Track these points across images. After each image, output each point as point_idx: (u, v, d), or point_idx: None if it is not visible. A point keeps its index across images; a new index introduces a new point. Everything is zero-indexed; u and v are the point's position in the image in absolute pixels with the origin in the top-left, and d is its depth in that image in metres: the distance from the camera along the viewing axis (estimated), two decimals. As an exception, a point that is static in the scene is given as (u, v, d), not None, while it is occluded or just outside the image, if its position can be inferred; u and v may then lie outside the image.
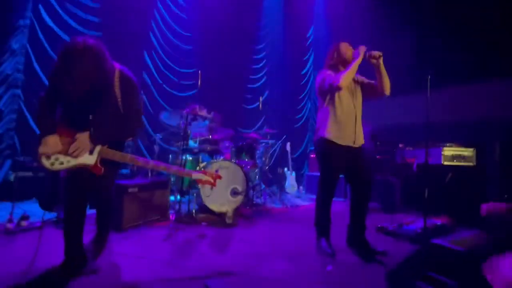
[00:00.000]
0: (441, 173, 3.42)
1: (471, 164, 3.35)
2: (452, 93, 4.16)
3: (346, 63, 2.11)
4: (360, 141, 2.19)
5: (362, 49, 2.03)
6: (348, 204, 2.26)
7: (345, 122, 2.11)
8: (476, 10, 3.87)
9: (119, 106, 1.56)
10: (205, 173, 1.70)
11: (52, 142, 1.46)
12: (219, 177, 1.73)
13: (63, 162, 1.47)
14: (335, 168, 2.15)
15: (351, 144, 2.13)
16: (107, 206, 1.89)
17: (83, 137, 1.48)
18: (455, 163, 3.32)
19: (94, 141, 1.50)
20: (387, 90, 2.11)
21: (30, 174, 3.17)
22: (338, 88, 2.00)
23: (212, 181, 1.68)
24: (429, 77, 2.27)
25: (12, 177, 3.13)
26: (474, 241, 1.45)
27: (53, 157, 1.47)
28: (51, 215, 2.63)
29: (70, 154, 1.47)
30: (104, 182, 1.73)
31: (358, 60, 2.02)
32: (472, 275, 1.21)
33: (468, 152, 3.35)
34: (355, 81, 2.23)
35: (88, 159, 1.51)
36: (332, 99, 2.13)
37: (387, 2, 5.13)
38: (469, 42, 3.96)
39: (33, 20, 3.48)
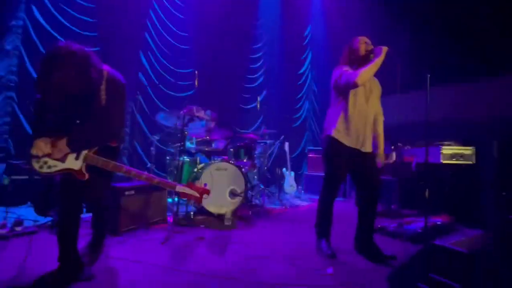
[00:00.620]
0: (440, 172, 3.41)
1: (470, 162, 3.34)
2: (451, 92, 4.15)
3: (361, 60, 2.00)
4: (369, 147, 2.09)
5: (385, 49, 1.92)
6: (347, 204, 2.24)
7: (356, 123, 2.03)
8: (476, 7, 3.85)
9: (103, 109, 1.50)
10: (191, 186, 1.56)
11: (42, 144, 1.45)
12: (207, 192, 1.58)
13: (51, 166, 1.47)
14: (340, 168, 2.09)
15: (359, 148, 2.05)
16: (102, 210, 1.85)
17: (61, 143, 1.45)
18: (454, 161, 3.31)
19: (71, 146, 1.46)
20: None
21: (25, 177, 3.12)
22: (355, 85, 1.89)
23: (197, 195, 1.54)
24: (429, 75, 2.24)
25: (6, 181, 3.07)
26: (477, 242, 1.43)
27: (42, 160, 1.46)
28: (46, 220, 2.59)
29: (54, 158, 1.46)
30: (99, 185, 1.69)
31: (379, 59, 1.90)
32: (475, 277, 1.19)
33: (467, 150, 3.34)
34: (374, 86, 2.14)
35: (74, 164, 1.49)
36: (346, 97, 2.04)
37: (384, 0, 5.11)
38: (468, 40, 3.95)
39: (26, 20, 3.42)
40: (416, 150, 3.77)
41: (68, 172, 1.49)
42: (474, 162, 3.35)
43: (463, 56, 3.92)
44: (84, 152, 1.50)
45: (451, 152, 3.32)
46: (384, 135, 2.23)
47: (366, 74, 1.88)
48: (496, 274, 1.25)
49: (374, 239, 2.12)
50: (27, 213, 2.82)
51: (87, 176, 1.50)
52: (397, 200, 3.84)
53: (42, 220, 2.60)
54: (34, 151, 1.45)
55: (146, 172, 1.59)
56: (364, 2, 5.41)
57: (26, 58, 3.42)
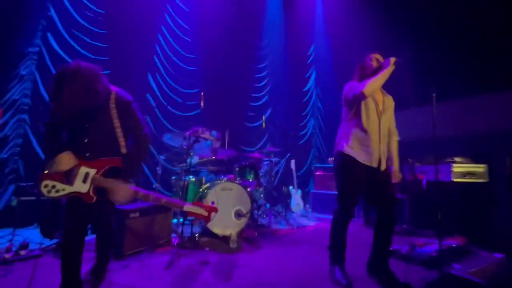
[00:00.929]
0: (451, 191, 3.30)
1: (483, 180, 3.23)
2: (459, 106, 4.10)
3: (371, 76, 1.97)
4: (384, 164, 2.01)
5: (393, 59, 1.90)
6: (357, 224, 2.14)
7: (368, 139, 1.97)
8: (483, 20, 3.88)
9: (115, 129, 1.58)
10: (198, 204, 1.55)
11: (66, 158, 1.48)
12: (215, 210, 1.57)
13: (59, 190, 1.47)
14: (354, 186, 1.99)
15: (373, 165, 1.97)
16: (107, 234, 1.82)
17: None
18: (466, 180, 3.20)
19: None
20: None
21: (32, 198, 3.15)
22: (362, 95, 1.86)
23: (206, 214, 1.52)
24: (434, 94, 2.23)
25: (14, 203, 3.10)
26: (496, 270, 1.35)
27: (50, 185, 1.46)
28: (51, 242, 2.58)
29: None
30: (104, 209, 1.68)
31: (387, 70, 1.88)
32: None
33: (479, 168, 3.24)
34: (388, 104, 2.10)
35: (82, 187, 1.49)
36: (358, 112, 2.00)
37: (388, 18, 5.21)
38: (474, 53, 3.94)
39: (41, 47, 3.59)
40: (426, 168, 3.68)
41: (75, 195, 1.49)
42: (487, 180, 3.24)
43: (470, 71, 3.91)
44: (92, 174, 1.51)
45: (463, 170, 3.22)
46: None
47: (373, 84, 1.86)
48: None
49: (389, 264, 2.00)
50: (33, 234, 2.82)
51: (94, 199, 1.50)
52: (408, 219, 3.70)
53: (48, 242, 2.59)
54: (56, 168, 1.45)
55: (153, 192, 1.59)
56: (368, 20, 5.52)
57: (40, 83, 3.56)
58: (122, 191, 1.52)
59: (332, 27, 6.66)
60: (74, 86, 1.39)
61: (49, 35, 3.65)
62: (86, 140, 1.54)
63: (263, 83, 6.14)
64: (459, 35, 4.14)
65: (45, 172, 1.48)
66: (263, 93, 6.12)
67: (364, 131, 1.98)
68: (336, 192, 2.08)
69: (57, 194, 1.46)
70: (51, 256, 2.31)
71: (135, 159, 1.63)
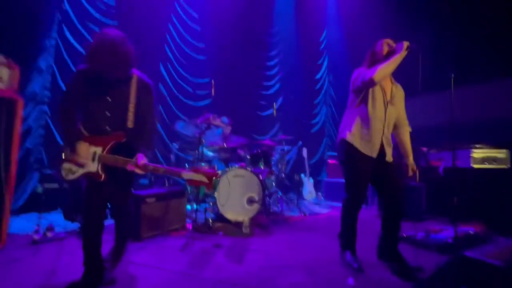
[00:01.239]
0: (470, 177, 3.19)
1: (504, 166, 3.09)
2: (479, 90, 3.91)
3: (380, 62, 1.86)
4: (389, 155, 1.98)
5: (406, 44, 1.79)
6: (370, 211, 2.13)
7: (372, 129, 1.92)
8: (503, 2, 3.63)
9: (129, 105, 1.63)
10: (197, 171, 1.47)
11: (84, 149, 1.53)
12: (216, 175, 1.49)
13: (74, 172, 1.55)
14: (359, 173, 1.97)
15: (373, 156, 1.94)
16: (125, 216, 1.87)
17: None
18: (486, 166, 3.08)
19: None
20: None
21: (56, 185, 3.33)
22: (371, 82, 1.77)
23: (207, 181, 1.46)
24: (452, 75, 2.13)
25: (39, 189, 3.29)
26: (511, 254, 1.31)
27: (67, 168, 1.54)
28: (74, 225, 2.73)
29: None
30: (121, 193, 1.75)
31: (399, 55, 1.76)
32: (513, 293, 1.08)
33: (501, 154, 3.10)
34: (396, 93, 2.03)
35: (92, 167, 1.54)
36: (365, 100, 1.94)
37: (403, 0, 4.96)
38: (490, 36, 3.72)
39: (57, 40, 3.70)
40: (443, 154, 3.56)
41: (88, 175, 1.55)
42: (509, 166, 3.10)
43: (489, 54, 3.70)
44: (99, 153, 1.55)
45: (483, 156, 3.10)
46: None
47: (383, 70, 1.76)
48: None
49: (400, 249, 1.99)
50: (57, 219, 3.00)
51: (103, 177, 1.54)
52: (425, 206, 3.63)
53: (71, 226, 2.75)
54: (76, 158, 1.50)
55: (156, 164, 1.64)
56: (382, 3, 5.28)
57: (58, 75, 3.69)
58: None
59: (345, 11, 6.42)
60: (119, 49, 1.49)
61: (65, 28, 3.74)
62: (108, 114, 1.59)
63: (274, 71, 6.06)
64: (477, 18, 3.89)
65: (63, 157, 1.56)
66: (274, 81, 6.05)
67: (369, 120, 1.93)
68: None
69: (73, 176, 1.55)
70: (75, 238, 2.45)
71: (140, 134, 1.66)
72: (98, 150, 1.55)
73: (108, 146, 1.56)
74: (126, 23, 4.15)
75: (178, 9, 4.85)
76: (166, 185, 3.34)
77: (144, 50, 4.33)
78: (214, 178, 1.49)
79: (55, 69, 3.68)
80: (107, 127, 1.58)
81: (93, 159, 1.54)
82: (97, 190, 1.57)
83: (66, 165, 1.55)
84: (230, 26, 5.22)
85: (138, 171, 1.56)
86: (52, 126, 3.63)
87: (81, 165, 1.53)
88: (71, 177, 1.54)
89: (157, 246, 2.37)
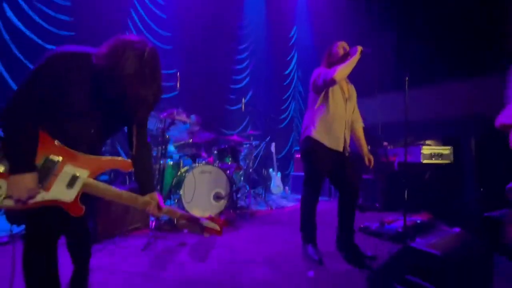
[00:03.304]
0: (420, 171, 3.50)
1: (448, 161, 3.45)
2: (431, 91, 4.27)
3: (338, 63, 2.03)
4: (347, 149, 2.14)
5: (360, 48, 1.98)
6: (332, 203, 2.25)
7: (335, 125, 2.07)
8: (453, 10, 3.98)
9: (134, 136, 1.25)
10: (214, 220, 1.44)
11: (32, 180, 0.98)
12: (226, 225, 1.54)
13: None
14: (321, 168, 2.10)
15: (339, 149, 2.09)
16: (85, 234, 1.38)
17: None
18: (433, 161, 3.41)
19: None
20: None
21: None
22: (332, 81, 1.91)
23: (219, 229, 1.41)
24: (407, 78, 2.30)
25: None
26: (452, 243, 1.47)
27: (3, 187, 0.97)
28: (19, 229, 2.47)
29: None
30: (84, 218, 1.23)
31: (355, 57, 1.95)
32: (448, 279, 1.21)
33: (445, 150, 3.45)
34: (352, 92, 2.19)
35: (64, 194, 1.05)
36: (326, 99, 2.08)
37: (369, 3, 5.20)
38: (445, 41, 4.07)
39: (-4, 19, 3.25)
40: (398, 150, 3.86)
41: (53, 205, 1.05)
42: (452, 161, 3.46)
43: (443, 57, 4.06)
44: (84, 177, 1.08)
45: (430, 152, 3.42)
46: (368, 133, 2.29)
47: (343, 71, 1.92)
48: (468, 274, 1.28)
49: (356, 239, 2.14)
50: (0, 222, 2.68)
51: (83, 210, 1.08)
52: (380, 199, 3.91)
53: (15, 229, 2.48)
54: (15, 192, 0.95)
55: (169, 206, 1.36)
56: (349, 3, 5.48)
57: (-3, 60, 3.25)
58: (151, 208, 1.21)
59: (314, 9, 6.55)
60: (161, 74, 1.08)
61: (5, 5, 3.29)
62: (92, 131, 1.13)
63: (244, 65, 6.01)
64: (432, 23, 4.24)
65: None
66: (244, 75, 6.01)
67: (331, 116, 2.07)
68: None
69: (16, 204, 0.97)
70: (21, 242, 2.22)
71: (148, 165, 1.29)
72: (82, 173, 1.08)
73: (99, 172, 1.13)
74: (81, 5, 3.77)
75: (142, -7, 4.54)
76: (127, 182, 3.16)
77: (101, 35, 3.99)
78: (224, 226, 1.46)
79: (-6, 52, 3.24)
80: (84, 147, 1.11)
81: (70, 185, 1.06)
82: (50, 216, 1.07)
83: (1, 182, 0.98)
84: (198, 15, 5.03)
85: (154, 214, 1.24)
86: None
87: (44, 188, 1.03)
88: (7, 204, 0.97)
89: (117, 246, 2.25)
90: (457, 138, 3.72)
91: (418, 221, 2.83)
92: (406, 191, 2.29)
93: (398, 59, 4.35)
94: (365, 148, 2.25)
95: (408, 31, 4.51)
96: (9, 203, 0.98)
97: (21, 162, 0.98)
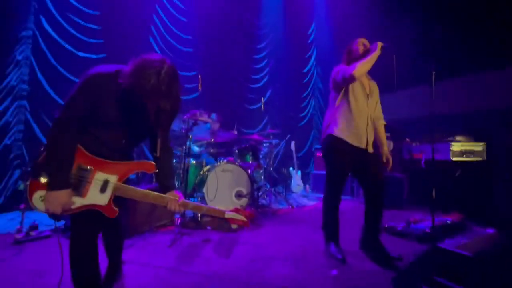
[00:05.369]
0: (450, 170, 3.34)
1: (480, 159, 3.25)
2: (460, 84, 4.05)
3: (358, 59, 1.98)
4: (371, 147, 2.09)
5: (380, 44, 1.93)
6: (355, 202, 2.21)
7: (357, 121, 2.02)
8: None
9: (160, 138, 1.35)
10: (237, 211, 1.52)
11: (67, 196, 1.12)
12: (253, 216, 1.54)
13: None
14: (344, 167, 2.06)
15: (362, 147, 2.05)
16: (120, 235, 1.58)
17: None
18: (464, 158, 3.23)
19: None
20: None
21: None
22: (352, 78, 1.88)
23: (245, 219, 1.46)
24: (434, 72, 2.21)
25: (21, 187, 3.20)
26: (484, 244, 1.41)
27: (43, 196, 1.12)
28: (59, 224, 2.69)
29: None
30: (119, 218, 1.36)
31: (376, 53, 1.90)
32: (479, 281, 1.17)
33: (477, 147, 3.25)
34: (374, 89, 2.15)
35: (99, 199, 1.19)
36: (346, 96, 2.04)
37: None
38: (474, 31, 3.83)
39: (35, 31, 3.53)
40: (425, 147, 3.70)
41: (91, 209, 1.19)
42: (485, 158, 3.26)
43: (470, 49, 3.82)
44: (114, 181, 1.21)
45: (461, 149, 3.24)
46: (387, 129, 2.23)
47: (362, 67, 1.88)
48: (501, 277, 1.22)
49: (381, 239, 2.09)
50: (41, 217, 2.93)
51: (117, 212, 1.23)
52: (406, 197, 3.78)
53: (54, 224, 2.70)
54: (52, 206, 1.09)
55: (194, 202, 1.45)
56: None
57: (36, 68, 3.54)
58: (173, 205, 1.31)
59: (333, 4, 6.41)
60: (178, 87, 1.16)
61: (42, 18, 3.57)
62: (123, 141, 1.27)
63: (262, 64, 6.03)
64: (459, 12, 4.00)
65: (41, 179, 1.12)
66: (262, 74, 6.03)
67: (353, 113, 2.03)
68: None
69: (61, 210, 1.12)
70: (61, 236, 2.42)
71: (168, 165, 1.41)
72: (112, 178, 1.22)
73: (127, 176, 1.27)
74: (108, 14, 4.00)
75: (164, -1, 4.71)
76: (154, 180, 3.31)
77: (128, 41, 4.22)
78: (250, 217, 1.52)
79: (33, 61, 3.53)
80: (116, 155, 1.27)
81: (102, 190, 1.20)
82: (92, 219, 1.20)
83: (42, 193, 1.12)
84: (217, 18, 5.12)
85: (177, 210, 1.34)
86: (32, 122, 3.50)
87: (78, 193, 1.17)
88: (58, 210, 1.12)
89: (145, 242, 2.37)
90: (489, 133, 3.49)
91: (448, 222, 2.71)
92: (434, 190, 2.20)
93: (424, 50, 4.15)
94: (385, 146, 2.18)
95: (435, 19, 4.29)
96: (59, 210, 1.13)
97: (58, 180, 1.11)
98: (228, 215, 1.43)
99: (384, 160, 2.15)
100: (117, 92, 1.15)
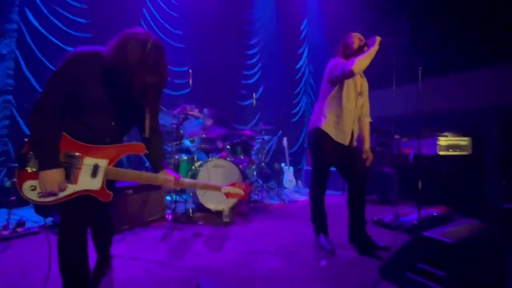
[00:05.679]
0: (437, 164, 3.42)
1: (466, 153, 3.34)
2: (448, 81, 4.14)
3: (355, 54, 1.99)
4: (354, 141, 2.14)
5: (378, 39, 1.92)
6: (345, 198, 2.24)
7: (345, 119, 2.06)
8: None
9: (147, 119, 1.30)
10: (234, 185, 1.48)
11: (60, 174, 1.09)
12: (251, 188, 1.52)
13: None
14: (328, 160, 2.10)
15: (345, 144, 2.09)
16: (109, 229, 1.55)
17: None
18: (450, 153, 3.32)
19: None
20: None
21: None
22: (351, 73, 1.86)
23: (243, 193, 1.44)
24: (420, 68, 2.25)
25: (8, 184, 3.13)
26: (465, 232, 1.45)
27: (33, 185, 1.10)
28: (47, 220, 2.64)
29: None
30: (108, 205, 1.39)
31: (374, 48, 1.89)
32: (460, 267, 1.21)
33: (464, 141, 3.34)
34: (364, 85, 2.17)
35: (91, 184, 1.17)
36: (339, 92, 2.05)
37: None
38: (463, 30, 3.91)
39: (20, 24, 3.43)
40: (413, 142, 3.78)
41: (84, 195, 1.17)
42: (470, 152, 3.35)
43: (459, 46, 3.90)
44: (104, 165, 1.19)
45: (447, 143, 3.32)
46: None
47: (362, 62, 1.87)
48: (480, 262, 1.27)
49: (370, 231, 2.14)
50: (28, 214, 2.88)
51: (111, 195, 1.21)
52: (395, 192, 3.85)
53: (43, 220, 2.65)
54: (46, 186, 1.07)
55: (190, 179, 1.46)
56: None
57: (22, 62, 3.44)
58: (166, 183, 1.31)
59: (325, 1, 6.44)
60: (165, 61, 1.14)
61: (27, 11, 3.47)
62: (113, 124, 1.23)
63: (254, 60, 6.02)
64: (447, 11, 4.08)
65: (28, 168, 1.09)
66: (254, 70, 6.02)
67: (343, 111, 2.05)
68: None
69: (54, 198, 1.10)
70: (49, 232, 2.37)
71: (159, 144, 1.39)
72: (102, 162, 1.19)
73: (117, 159, 1.23)
74: (97, 7, 3.91)
75: (154, -7, 4.64)
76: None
77: (116, 35, 4.13)
78: (248, 190, 1.48)
79: (19, 55, 3.44)
80: (107, 139, 1.23)
81: (94, 174, 1.18)
82: (82, 206, 1.18)
83: (31, 183, 1.10)
84: (208, 12, 5.08)
85: (172, 188, 1.34)
86: (18, 117, 3.42)
87: (69, 180, 1.14)
88: (49, 199, 1.11)
89: (136, 237, 2.36)
90: (477, 129, 3.59)
91: (435, 214, 2.78)
92: (420, 182, 2.26)
93: (414, 47, 4.22)
94: (367, 144, 2.24)
95: (424, 18, 4.36)
96: (47, 199, 1.11)
97: (48, 159, 1.09)
98: (225, 189, 1.43)
99: (365, 157, 2.21)
100: (101, 70, 1.11)
